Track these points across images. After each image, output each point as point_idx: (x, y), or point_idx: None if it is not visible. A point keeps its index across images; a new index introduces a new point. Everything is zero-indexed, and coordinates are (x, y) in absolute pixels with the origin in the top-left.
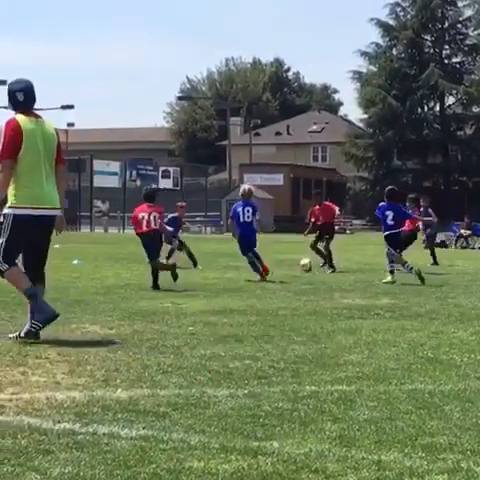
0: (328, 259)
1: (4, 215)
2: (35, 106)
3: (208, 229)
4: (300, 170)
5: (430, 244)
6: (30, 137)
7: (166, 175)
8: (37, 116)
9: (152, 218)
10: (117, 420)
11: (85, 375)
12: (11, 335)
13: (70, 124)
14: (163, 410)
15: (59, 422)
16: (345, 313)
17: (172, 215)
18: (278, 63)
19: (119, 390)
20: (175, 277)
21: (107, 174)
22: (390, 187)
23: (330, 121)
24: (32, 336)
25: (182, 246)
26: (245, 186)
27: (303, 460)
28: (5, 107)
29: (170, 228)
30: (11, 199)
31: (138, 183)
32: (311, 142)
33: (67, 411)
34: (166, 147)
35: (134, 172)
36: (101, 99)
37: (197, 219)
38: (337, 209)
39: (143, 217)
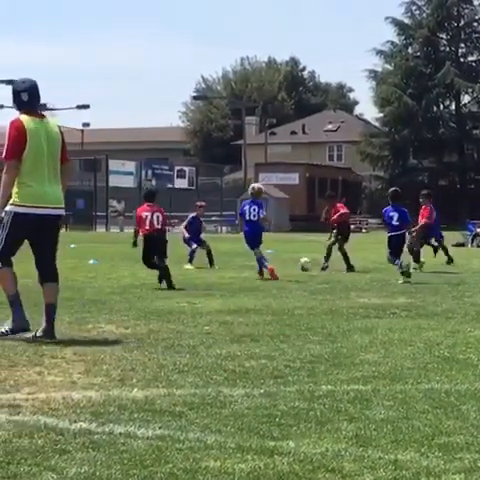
0: (345, 260)
1: (5, 212)
2: (52, 106)
3: (224, 229)
4: (316, 169)
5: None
6: (34, 137)
7: (181, 175)
8: (41, 116)
9: (155, 218)
10: (133, 420)
11: (101, 375)
12: (27, 335)
13: (85, 124)
14: (179, 410)
15: (75, 422)
16: (361, 312)
17: (192, 215)
18: (293, 62)
19: (135, 390)
20: (161, 280)
21: (122, 174)
22: (393, 188)
23: (346, 120)
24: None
25: (203, 244)
26: (254, 185)
27: (319, 460)
28: (11, 107)
29: (187, 234)
30: (13, 197)
31: (153, 183)
32: (327, 141)
33: (83, 411)
34: (181, 147)
35: (149, 172)
36: (116, 99)
37: (212, 219)
38: (341, 211)
39: (146, 216)
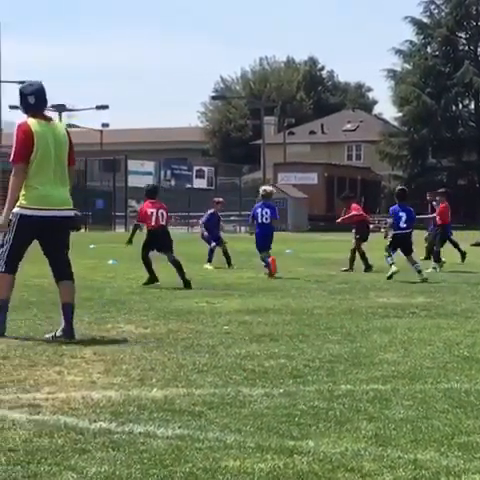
0: (363, 259)
1: (12, 214)
2: (71, 106)
3: (242, 228)
4: (334, 169)
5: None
6: (41, 140)
7: (200, 175)
8: (48, 118)
9: (160, 214)
10: (153, 419)
11: (121, 374)
12: (47, 335)
13: (105, 124)
14: (199, 409)
15: (95, 421)
16: (380, 312)
17: (210, 211)
18: (312, 62)
19: (155, 389)
20: (152, 281)
21: (142, 174)
22: (400, 187)
23: (364, 120)
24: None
25: (220, 242)
26: (265, 187)
27: (339, 459)
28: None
29: (206, 232)
30: (20, 199)
31: (172, 183)
32: (345, 141)
33: (103, 410)
34: (200, 147)
35: (168, 172)
36: (135, 99)
37: (231, 218)
38: (351, 214)
39: (152, 213)
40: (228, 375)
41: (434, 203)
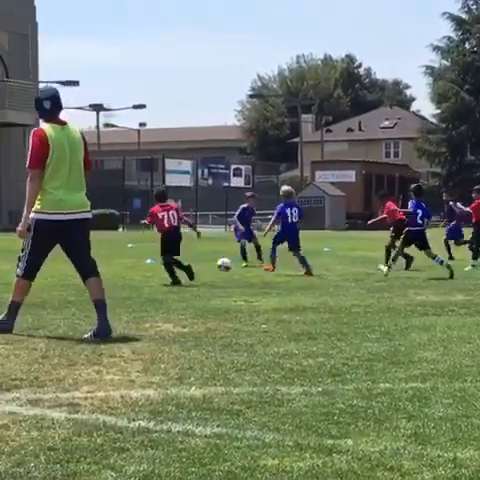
0: (394, 255)
1: (30, 219)
2: (108, 106)
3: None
4: (372, 166)
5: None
6: (57, 145)
7: (237, 173)
8: (63, 123)
9: (171, 215)
10: (191, 418)
11: (159, 373)
12: (86, 335)
13: (142, 124)
14: (237, 408)
15: (134, 420)
16: (419, 310)
17: (242, 206)
18: (349, 59)
19: (193, 388)
20: (191, 276)
21: (179, 173)
22: (416, 184)
23: (402, 117)
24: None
25: (252, 238)
26: (286, 187)
27: (378, 458)
28: (80, 108)
29: (241, 226)
30: (36, 204)
31: (210, 182)
32: (383, 138)
33: (142, 409)
34: (238, 145)
35: (206, 171)
36: (172, 98)
37: (269, 217)
38: (382, 216)
39: (163, 216)
40: (266, 374)
41: (452, 203)
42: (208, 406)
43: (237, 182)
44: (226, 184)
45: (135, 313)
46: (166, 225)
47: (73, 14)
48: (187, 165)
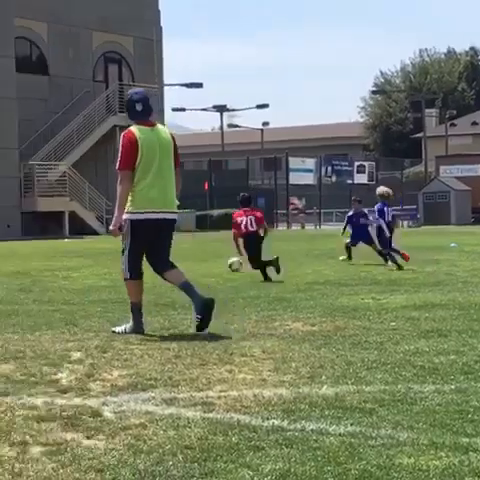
0: None
1: (124, 220)
2: (231, 107)
3: (405, 223)
4: None
5: None
6: (146, 146)
7: (361, 170)
8: (152, 124)
9: (249, 221)
10: (324, 417)
11: (290, 372)
12: (204, 332)
13: (265, 123)
14: (369, 406)
15: (267, 419)
16: None
17: (347, 214)
18: (473, 51)
19: (325, 387)
20: (278, 269)
21: (302, 171)
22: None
23: None
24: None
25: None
26: (386, 189)
27: None
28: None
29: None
30: (128, 205)
31: (333, 179)
32: None
33: (275, 408)
34: (361, 142)
35: (329, 168)
36: (295, 97)
37: (394, 213)
38: None
39: (242, 221)
40: (398, 372)
41: None
42: (340, 404)
43: (361, 179)
44: (350, 181)
45: (264, 312)
46: (243, 230)
47: (195, 17)
48: (310, 163)
